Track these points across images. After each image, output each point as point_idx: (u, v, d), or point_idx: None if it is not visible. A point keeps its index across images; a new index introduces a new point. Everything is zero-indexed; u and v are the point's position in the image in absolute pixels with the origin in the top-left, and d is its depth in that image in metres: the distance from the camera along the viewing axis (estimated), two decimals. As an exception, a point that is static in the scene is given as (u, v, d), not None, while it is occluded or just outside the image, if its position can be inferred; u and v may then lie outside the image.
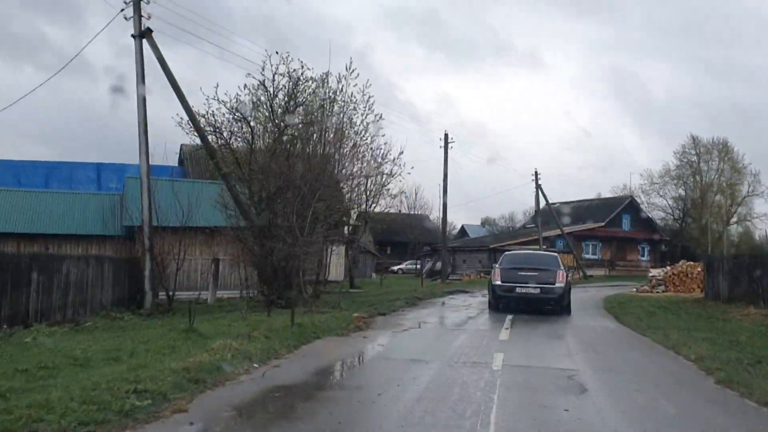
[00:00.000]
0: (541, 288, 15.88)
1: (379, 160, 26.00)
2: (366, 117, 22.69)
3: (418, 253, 59.29)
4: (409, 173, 58.76)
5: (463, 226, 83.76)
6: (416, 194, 62.50)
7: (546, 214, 57.12)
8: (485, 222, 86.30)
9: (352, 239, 32.37)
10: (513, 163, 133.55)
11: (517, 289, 15.99)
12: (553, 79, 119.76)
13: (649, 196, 66.18)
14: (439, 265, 55.71)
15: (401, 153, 28.37)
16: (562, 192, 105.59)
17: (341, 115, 22.20)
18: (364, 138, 23.33)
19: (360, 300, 20.67)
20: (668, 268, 28.75)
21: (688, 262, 28.84)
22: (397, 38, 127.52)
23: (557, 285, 16.01)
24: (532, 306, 16.13)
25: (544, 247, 47.80)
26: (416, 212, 65.40)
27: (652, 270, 29.84)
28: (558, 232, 51.66)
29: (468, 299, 23.07)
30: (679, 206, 75.63)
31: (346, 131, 22.57)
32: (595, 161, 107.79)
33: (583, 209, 58.12)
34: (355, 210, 28.97)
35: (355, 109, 22.26)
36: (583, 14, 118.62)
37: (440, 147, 40.79)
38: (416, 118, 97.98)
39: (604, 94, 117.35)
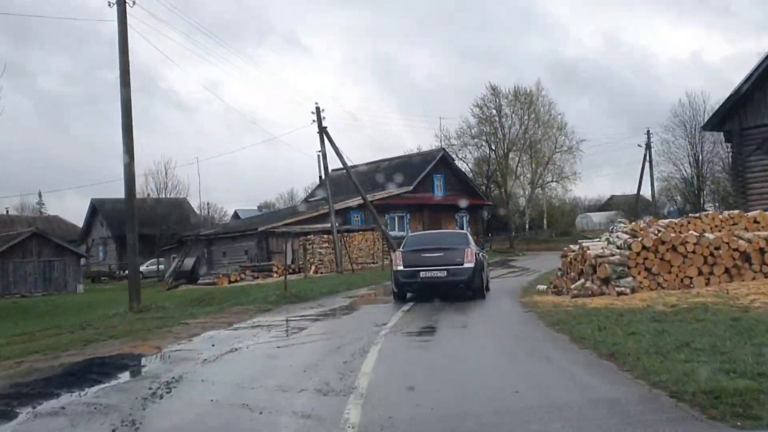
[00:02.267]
0: (447, 270, 13.69)
1: None
2: None
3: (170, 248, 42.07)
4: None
5: (236, 212, 67.75)
6: (165, 171, 45.33)
7: (336, 183, 42.48)
8: (263, 206, 71.17)
9: None
10: (290, 148, 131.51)
11: (421, 274, 13.85)
12: (318, 65, 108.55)
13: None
14: (189, 262, 37.98)
15: None
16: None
17: None
18: None
19: None
20: (634, 229, 13.95)
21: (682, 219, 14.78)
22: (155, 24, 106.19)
23: (466, 265, 13.68)
24: (440, 291, 13.91)
25: (339, 222, 32.88)
26: (168, 195, 48.28)
27: (586, 243, 14.64)
28: (351, 203, 36.72)
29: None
30: (483, 170, 65.92)
31: None
32: (368, 144, 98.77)
33: (383, 171, 43.99)
34: None
35: None
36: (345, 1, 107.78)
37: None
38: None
39: (368, 78, 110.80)
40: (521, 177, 65.72)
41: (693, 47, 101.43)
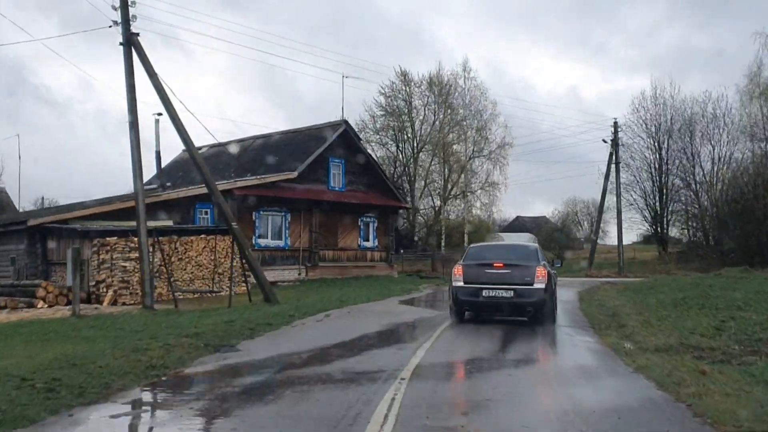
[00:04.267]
0: (514, 290, 12.01)
1: None
2: None
3: None
4: None
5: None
6: None
7: (180, 167, 29.09)
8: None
9: None
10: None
11: (484, 292, 12.18)
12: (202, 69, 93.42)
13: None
14: None
15: None
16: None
17: None
18: None
19: None
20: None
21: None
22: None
23: (536, 285, 11.97)
24: (504, 313, 12.48)
25: (178, 219, 19.02)
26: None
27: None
28: (197, 191, 22.85)
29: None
30: (389, 173, 53.77)
31: None
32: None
33: (259, 151, 30.08)
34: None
35: None
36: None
37: None
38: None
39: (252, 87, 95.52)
40: (431, 185, 54.06)
41: (571, 82, 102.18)
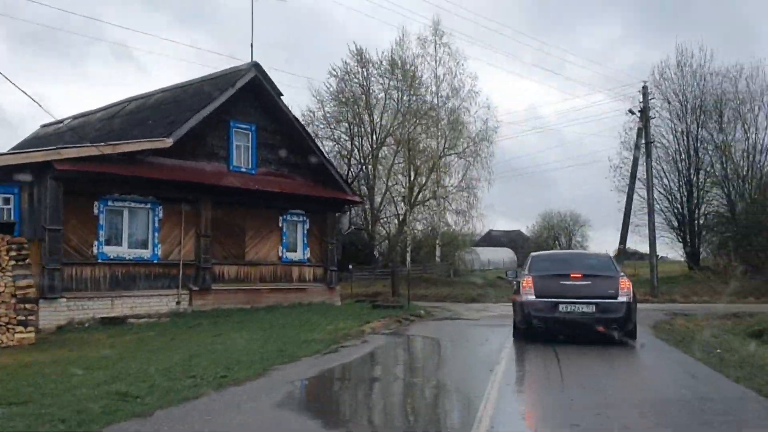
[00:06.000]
0: (596, 304, 10.62)
1: None
2: None
3: None
4: None
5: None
6: None
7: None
8: None
9: None
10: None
11: (561, 307, 10.68)
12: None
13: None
14: None
15: None
16: None
17: None
18: None
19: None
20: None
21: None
22: None
23: (620, 299, 10.66)
24: (584, 331, 10.76)
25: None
26: None
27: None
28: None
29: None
30: (343, 172, 44.74)
31: None
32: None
33: (129, 119, 20.06)
34: None
35: None
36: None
37: None
38: None
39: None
40: (394, 188, 44.60)
41: (530, 100, 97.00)
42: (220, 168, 18.01)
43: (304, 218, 20.39)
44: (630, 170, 24.73)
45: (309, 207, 20.38)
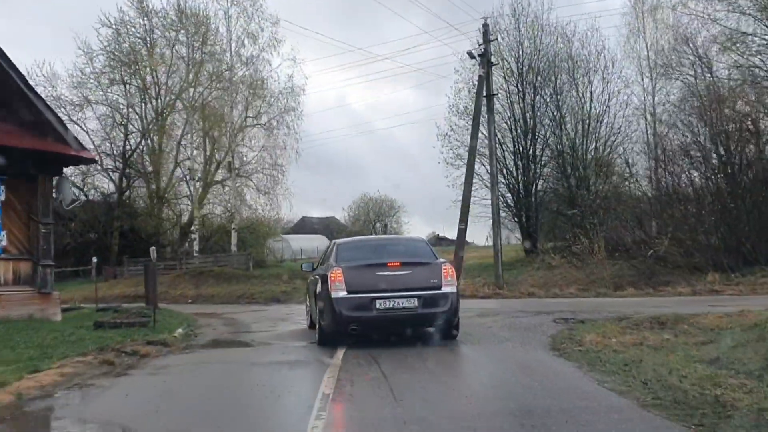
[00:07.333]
0: (419, 297, 8.96)
1: None
2: None
3: None
4: None
5: None
6: None
7: None
8: None
9: None
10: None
11: (378, 303, 8.85)
12: None
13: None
14: None
15: None
16: None
17: None
18: None
19: None
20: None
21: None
22: None
23: (445, 289, 9.11)
24: (405, 330, 9.40)
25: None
26: None
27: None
28: None
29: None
30: (117, 147, 37.09)
31: None
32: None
33: None
34: None
35: None
36: None
37: None
38: None
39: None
40: (185, 163, 37.30)
41: (339, 91, 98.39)
42: None
43: (-5, 183, 12.50)
44: (470, 129, 19.71)
45: (6, 165, 12.52)
